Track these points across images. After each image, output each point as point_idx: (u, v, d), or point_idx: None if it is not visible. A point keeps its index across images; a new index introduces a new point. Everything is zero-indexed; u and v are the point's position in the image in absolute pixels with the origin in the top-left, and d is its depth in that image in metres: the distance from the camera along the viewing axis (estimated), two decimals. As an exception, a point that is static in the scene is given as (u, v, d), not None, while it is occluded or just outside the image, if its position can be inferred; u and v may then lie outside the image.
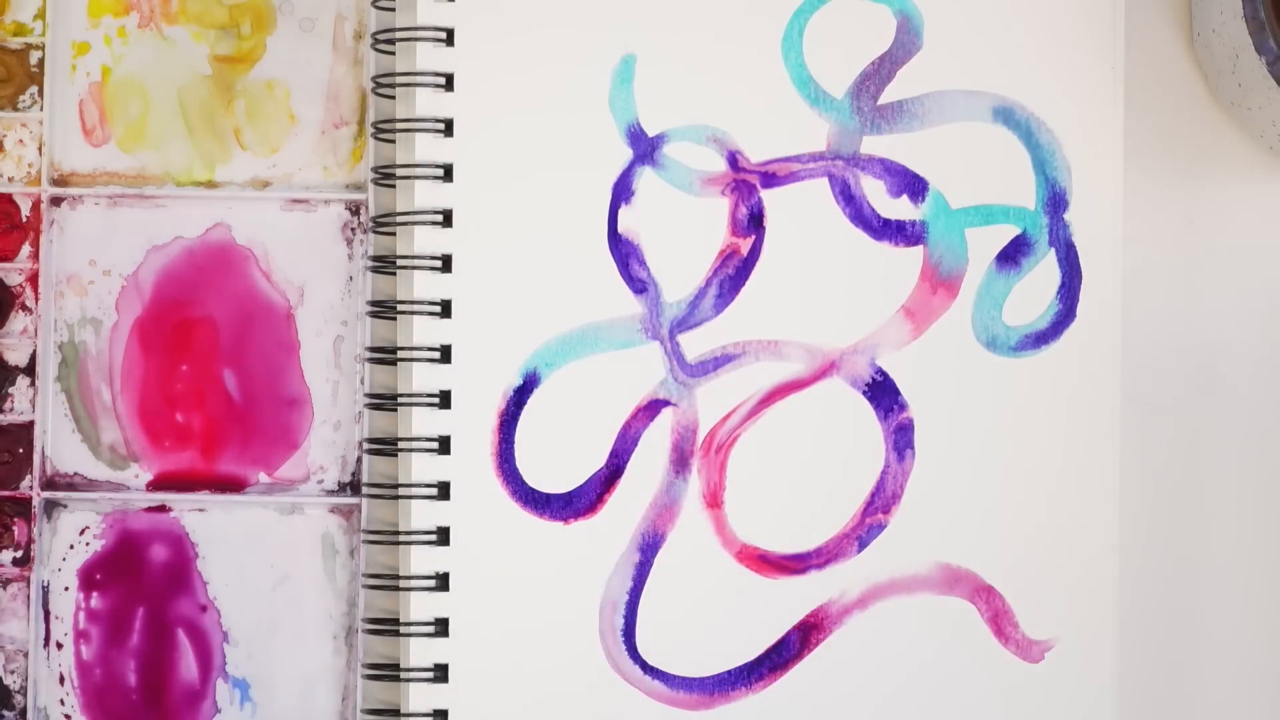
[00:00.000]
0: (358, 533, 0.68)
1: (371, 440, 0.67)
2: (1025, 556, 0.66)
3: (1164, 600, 0.67)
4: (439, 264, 0.66)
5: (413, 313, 0.66)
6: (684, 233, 0.66)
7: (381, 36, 0.67)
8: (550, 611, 0.66)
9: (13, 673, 0.68)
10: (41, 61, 0.68)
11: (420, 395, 0.66)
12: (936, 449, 0.66)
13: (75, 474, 0.68)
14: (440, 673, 0.65)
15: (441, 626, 0.65)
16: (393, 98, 0.67)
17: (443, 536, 0.65)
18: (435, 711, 0.65)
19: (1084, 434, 0.66)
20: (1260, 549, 0.67)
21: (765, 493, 0.66)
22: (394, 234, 0.67)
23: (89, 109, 0.69)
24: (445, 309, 0.66)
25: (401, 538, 0.66)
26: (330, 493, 0.68)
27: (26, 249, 0.68)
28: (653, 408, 0.66)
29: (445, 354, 0.66)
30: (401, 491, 0.66)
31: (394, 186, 0.67)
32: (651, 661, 0.66)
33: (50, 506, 0.68)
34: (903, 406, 0.66)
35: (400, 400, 0.66)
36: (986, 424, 0.66)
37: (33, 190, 0.68)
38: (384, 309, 0.67)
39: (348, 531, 0.68)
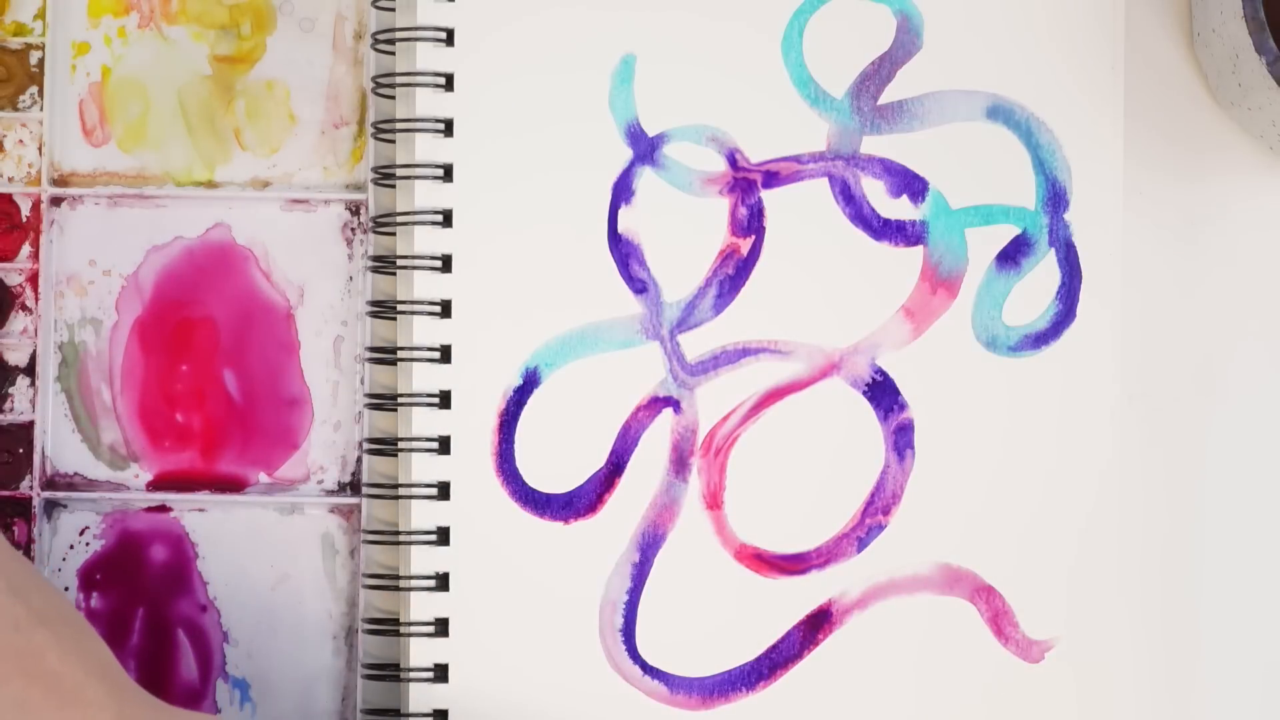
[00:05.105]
0: (358, 533, 0.68)
1: (371, 440, 0.67)
2: (1025, 556, 0.66)
3: (1164, 600, 0.67)
4: (439, 264, 0.66)
5: (413, 313, 0.66)
6: (684, 232, 0.66)
7: (381, 36, 0.67)
8: (550, 611, 0.66)
9: (13, 673, 0.68)
10: (41, 61, 0.68)
11: (420, 395, 0.66)
12: (936, 449, 0.66)
13: (75, 474, 0.68)
14: (440, 673, 0.65)
15: (441, 626, 0.65)
16: (393, 98, 0.67)
17: (443, 536, 0.65)
18: (435, 711, 0.65)
19: (1084, 434, 0.66)
20: (1260, 549, 0.67)
21: (765, 493, 0.66)
22: (394, 234, 0.67)
23: (89, 109, 0.69)
24: (445, 309, 0.66)
25: (401, 538, 0.66)
26: (330, 493, 0.68)
27: (26, 249, 0.68)
28: (653, 408, 0.66)
29: (445, 354, 0.66)
30: (401, 491, 0.66)
31: (394, 186, 0.67)
32: (651, 662, 0.66)
33: (50, 506, 0.68)
34: (903, 406, 0.66)
35: (400, 400, 0.66)
36: (986, 424, 0.66)
37: (33, 190, 0.68)
38: (384, 309, 0.67)
39: (348, 531, 0.68)
